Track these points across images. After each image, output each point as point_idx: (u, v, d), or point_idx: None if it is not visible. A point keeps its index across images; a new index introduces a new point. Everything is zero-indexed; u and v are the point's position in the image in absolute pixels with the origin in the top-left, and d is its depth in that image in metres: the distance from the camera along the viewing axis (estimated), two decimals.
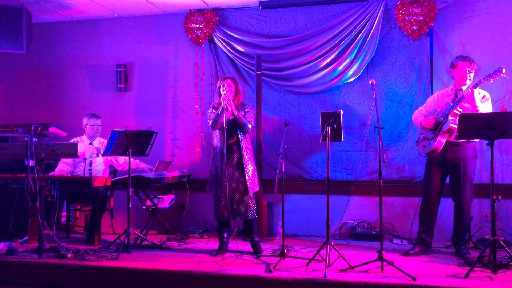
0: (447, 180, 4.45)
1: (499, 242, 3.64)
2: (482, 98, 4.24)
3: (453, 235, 4.40)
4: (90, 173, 5.24)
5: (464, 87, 4.31)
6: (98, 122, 5.36)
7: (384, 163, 3.94)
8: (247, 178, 4.35)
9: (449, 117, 4.17)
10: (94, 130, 5.33)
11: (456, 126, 4.12)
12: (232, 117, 4.38)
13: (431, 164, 4.41)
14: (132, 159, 5.07)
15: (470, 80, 4.32)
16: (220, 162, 4.37)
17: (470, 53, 5.09)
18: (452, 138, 4.21)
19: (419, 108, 4.67)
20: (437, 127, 4.27)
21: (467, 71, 4.29)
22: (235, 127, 4.38)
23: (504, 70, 4.04)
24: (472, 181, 4.33)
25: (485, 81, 4.06)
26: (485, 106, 4.22)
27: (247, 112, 4.45)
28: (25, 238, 4.85)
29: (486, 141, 3.74)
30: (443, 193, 4.46)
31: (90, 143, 5.23)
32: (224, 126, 4.22)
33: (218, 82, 4.54)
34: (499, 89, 5.00)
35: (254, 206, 4.44)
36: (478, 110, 4.12)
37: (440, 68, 5.15)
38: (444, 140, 4.23)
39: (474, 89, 4.08)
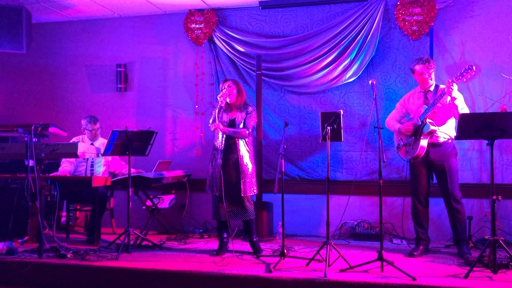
0: (435, 180, 4.47)
1: (499, 242, 3.64)
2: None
3: (453, 236, 4.41)
4: (92, 173, 5.25)
5: (432, 88, 4.36)
6: (96, 126, 5.34)
7: (384, 163, 3.95)
8: (242, 180, 4.34)
9: (428, 120, 4.21)
10: (92, 134, 5.33)
11: (436, 128, 4.17)
12: (233, 117, 4.41)
13: (415, 165, 4.43)
14: (124, 163, 5.06)
15: (431, 79, 4.36)
16: (217, 162, 4.37)
17: (470, 53, 5.10)
18: (434, 140, 4.26)
19: (391, 114, 4.70)
20: (416, 132, 4.29)
21: (426, 72, 4.33)
22: (235, 127, 4.38)
23: (474, 68, 4.06)
24: (458, 178, 4.35)
25: (458, 81, 4.09)
26: (463, 103, 4.25)
27: (249, 113, 4.44)
28: (25, 238, 4.85)
29: (486, 141, 3.74)
30: (429, 191, 4.48)
31: (92, 144, 5.23)
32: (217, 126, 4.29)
33: (220, 85, 4.57)
34: (499, 89, 5.01)
35: (252, 207, 4.44)
36: (457, 107, 4.12)
37: (440, 68, 5.14)
38: (426, 144, 4.26)
39: (455, 83, 4.08)
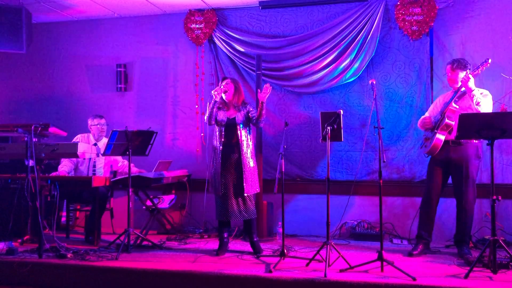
0: (449, 180, 4.44)
1: (499, 242, 3.63)
2: (481, 94, 4.20)
3: (455, 235, 4.40)
4: (94, 173, 5.25)
5: (463, 89, 4.31)
6: (102, 121, 5.39)
7: (384, 163, 3.94)
8: (244, 178, 4.34)
9: (446, 114, 4.19)
10: (99, 130, 5.36)
11: (452, 122, 4.14)
12: (231, 116, 4.40)
13: (434, 163, 4.40)
14: (126, 162, 5.05)
15: (456, 81, 4.32)
16: (218, 161, 4.38)
17: (470, 53, 5.10)
18: (453, 137, 4.22)
19: (424, 115, 4.66)
20: (435, 126, 4.30)
21: (449, 72, 4.35)
22: (234, 125, 4.39)
23: (490, 60, 4.08)
24: (475, 181, 4.32)
25: (474, 73, 4.09)
26: (485, 101, 4.18)
27: (250, 111, 4.45)
28: (25, 238, 4.85)
29: (486, 141, 3.74)
30: (444, 193, 4.45)
31: (95, 144, 5.23)
32: (209, 116, 4.33)
33: (219, 83, 4.57)
34: (499, 89, 5.00)
35: (254, 206, 4.44)
36: (473, 99, 4.10)
37: (440, 68, 5.14)
38: (442, 137, 4.23)
39: (471, 75, 4.09)
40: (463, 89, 4.29)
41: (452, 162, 4.30)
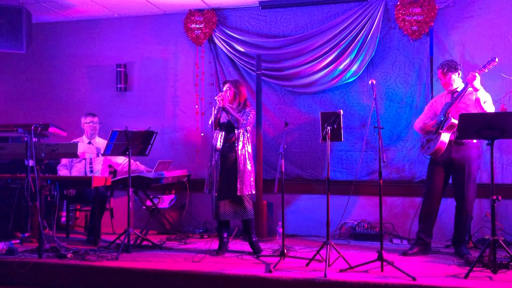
0: (450, 181, 4.43)
1: (499, 242, 3.63)
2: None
3: (454, 235, 4.40)
4: (92, 172, 5.25)
5: (459, 89, 4.31)
6: (95, 119, 5.40)
7: (384, 163, 3.94)
8: (239, 179, 4.34)
9: (450, 114, 4.17)
10: (91, 128, 5.37)
11: (457, 121, 4.12)
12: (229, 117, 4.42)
13: (434, 164, 4.38)
14: (132, 161, 5.06)
15: (451, 84, 4.31)
16: (215, 161, 4.38)
17: (470, 53, 5.10)
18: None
19: (419, 117, 4.67)
20: (439, 127, 4.26)
21: (442, 78, 4.34)
22: (232, 127, 4.39)
23: (497, 59, 4.07)
24: (476, 181, 4.31)
25: (480, 72, 4.07)
26: (490, 100, 4.16)
27: (245, 113, 4.42)
28: (26, 235, 4.84)
29: (486, 141, 3.74)
30: (443, 193, 4.44)
31: (89, 142, 5.23)
32: (213, 121, 4.34)
33: (221, 87, 4.60)
34: (499, 89, 5.01)
35: (251, 206, 4.43)
36: (479, 98, 4.06)
37: None
38: (447, 138, 4.19)
39: (477, 74, 4.04)
40: (459, 89, 4.29)
41: (454, 162, 4.28)
